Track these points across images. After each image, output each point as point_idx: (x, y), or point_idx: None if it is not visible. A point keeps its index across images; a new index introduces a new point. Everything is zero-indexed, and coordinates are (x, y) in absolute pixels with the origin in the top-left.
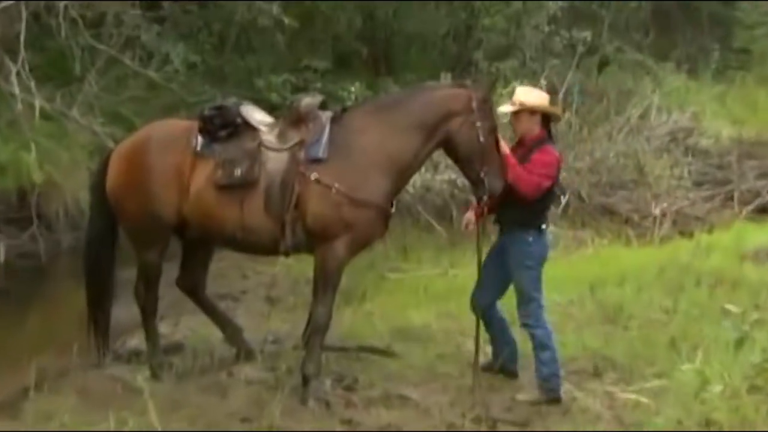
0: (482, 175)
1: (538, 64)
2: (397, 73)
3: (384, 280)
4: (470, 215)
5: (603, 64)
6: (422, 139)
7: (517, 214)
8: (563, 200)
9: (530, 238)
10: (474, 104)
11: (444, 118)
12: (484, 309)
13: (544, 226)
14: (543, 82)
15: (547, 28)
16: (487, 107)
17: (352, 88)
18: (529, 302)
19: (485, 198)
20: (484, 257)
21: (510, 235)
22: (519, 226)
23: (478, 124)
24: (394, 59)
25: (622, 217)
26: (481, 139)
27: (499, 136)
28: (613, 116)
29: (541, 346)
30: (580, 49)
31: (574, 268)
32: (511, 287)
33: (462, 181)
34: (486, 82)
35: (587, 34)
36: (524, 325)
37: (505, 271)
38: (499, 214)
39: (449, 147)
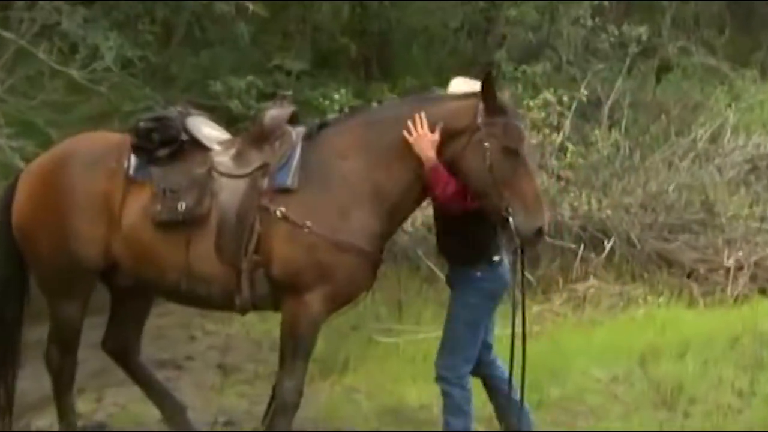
0: (504, 213)
1: (578, 69)
2: (394, 78)
3: (372, 344)
4: None
5: (663, 70)
6: (419, 168)
7: (458, 242)
8: (607, 245)
9: (478, 274)
10: (480, 118)
11: (444, 140)
12: (479, 371)
13: (497, 258)
14: (583, 91)
15: (590, 22)
16: (503, 120)
17: (336, 96)
18: (454, 351)
19: (517, 244)
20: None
21: (454, 272)
22: (463, 259)
23: (486, 144)
24: (391, 59)
25: (684, 268)
26: (488, 162)
27: (528, 158)
28: (674, 138)
29: (454, 410)
30: (633, 49)
31: (621, 334)
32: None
33: None
34: (492, 83)
35: (642, 31)
36: (440, 379)
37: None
38: (439, 245)
39: (457, 177)
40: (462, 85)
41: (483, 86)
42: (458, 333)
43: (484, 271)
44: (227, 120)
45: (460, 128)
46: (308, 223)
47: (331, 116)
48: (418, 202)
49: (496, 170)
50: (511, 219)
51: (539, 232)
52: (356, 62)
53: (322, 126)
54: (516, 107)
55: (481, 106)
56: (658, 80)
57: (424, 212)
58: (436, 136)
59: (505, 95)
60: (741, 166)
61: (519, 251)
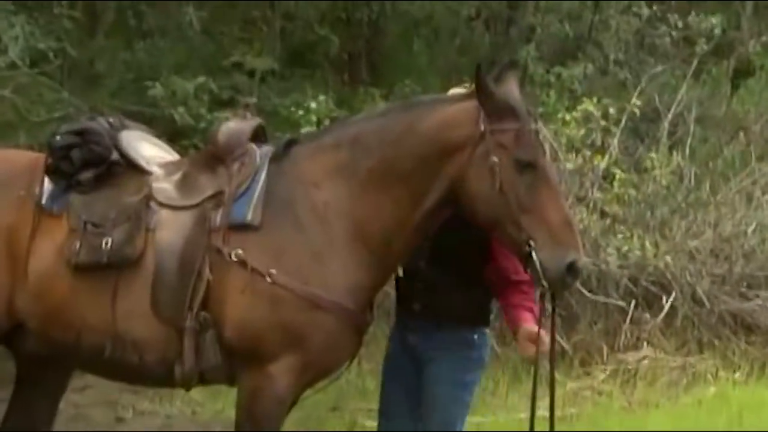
0: (525, 247)
1: (630, 72)
2: (388, 82)
3: (357, 431)
4: (533, 329)
5: (741, 74)
6: (412, 198)
7: (456, 299)
8: (666, 304)
9: (475, 336)
10: (483, 124)
11: (440, 158)
12: None
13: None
14: (636, 101)
15: (646, 11)
16: (514, 125)
17: (313, 105)
18: None
19: (543, 287)
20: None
21: (431, 337)
22: (458, 319)
23: (494, 157)
24: (385, 58)
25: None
26: (498, 181)
27: (550, 172)
28: (755, 163)
29: None
30: (702, 47)
31: (684, 420)
32: None
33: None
34: (484, 76)
35: (715, 23)
36: None
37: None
38: (418, 296)
39: (462, 207)
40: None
41: (475, 82)
42: (451, 418)
43: (480, 334)
44: (170, 134)
45: (459, 140)
46: (273, 271)
47: (306, 131)
48: (412, 243)
49: (509, 191)
50: (534, 254)
51: (572, 269)
52: (339, 61)
53: (292, 144)
54: (528, 106)
55: (486, 107)
56: (735, 87)
57: None
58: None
59: (512, 91)
60: None
61: (549, 301)
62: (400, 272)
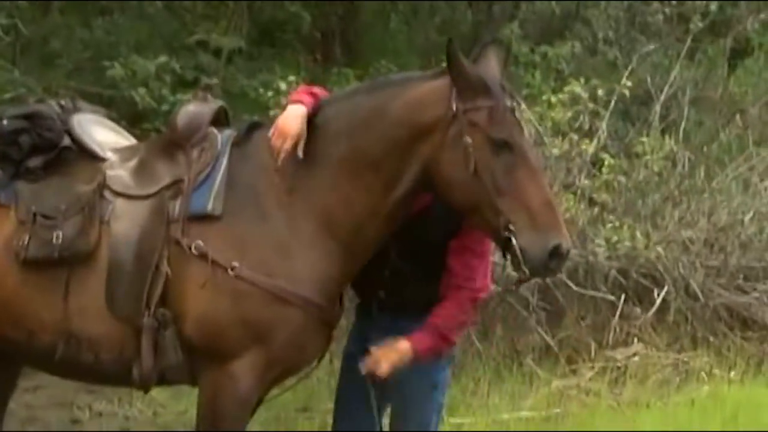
0: (504, 232)
1: (620, 50)
2: (364, 61)
3: None
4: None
5: (738, 54)
6: (384, 184)
7: (423, 289)
8: (657, 298)
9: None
10: (456, 103)
11: (412, 141)
12: None
13: None
14: (626, 82)
15: None
16: (488, 102)
17: (283, 86)
18: None
19: (524, 274)
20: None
21: (404, 327)
22: (424, 310)
23: (467, 138)
24: (360, 36)
25: (765, 330)
26: (472, 163)
27: (529, 151)
28: (752, 148)
29: None
30: (697, 24)
31: (677, 420)
32: None
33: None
34: (456, 50)
35: None
36: None
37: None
38: (382, 287)
39: (437, 192)
40: None
41: (447, 58)
42: (425, 422)
43: None
44: (131, 117)
45: (431, 121)
46: (235, 264)
47: (275, 114)
48: (384, 232)
49: (484, 172)
50: (514, 239)
51: (556, 254)
52: (311, 39)
53: (253, 127)
54: (506, 82)
55: (458, 83)
56: (732, 68)
57: None
58: None
59: (488, 68)
60: None
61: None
62: None
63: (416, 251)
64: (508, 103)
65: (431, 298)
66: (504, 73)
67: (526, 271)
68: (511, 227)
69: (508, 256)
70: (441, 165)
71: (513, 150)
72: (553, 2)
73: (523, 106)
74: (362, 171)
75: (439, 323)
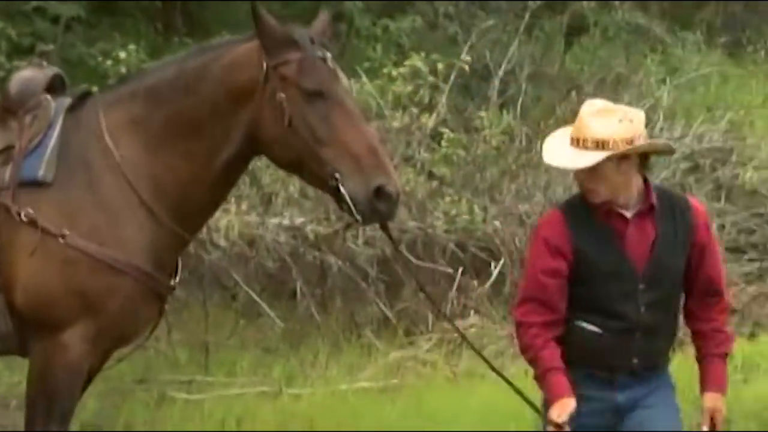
0: (332, 181)
1: (460, 25)
2: (205, 31)
3: (167, 403)
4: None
5: (575, 31)
6: (208, 149)
7: (669, 338)
8: (494, 270)
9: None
10: (266, 60)
11: (232, 104)
12: None
13: None
14: (466, 57)
15: None
16: (297, 55)
17: (123, 55)
18: None
19: (357, 221)
20: None
21: (652, 383)
22: (667, 359)
23: (281, 94)
24: (201, 7)
25: None
26: (287, 119)
27: (346, 99)
28: None
29: None
30: (535, 1)
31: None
32: None
33: (317, 227)
34: (259, 9)
35: None
36: None
37: None
38: (635, 353)
39: (264, 154)
40: (609, 115)
41: (252, 18)
42: None
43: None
44: None
45: (247, 82)
46: (66, 232)
47: (111, 83)
48: (214, 199)
49: (300, 124)
50: (342, 188)
51: (381, 194)
52: (152, 9)
53: (86, 95)
54: (319, 34)
55: (268, 42)
56: (569, 45)
57: (243, 219)
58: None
59: (296, 26)
60: (677, 163)
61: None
62: (596, 329)
63: (660, 300)
64: (319, 54)
65: (671, 343)
66: (328, 35)
67: (358, 217)
68: (337, 176)
69: (343, 206)
70: (263, 125)
71: (327, 98)
72: None
73: (364, 78)
74: (187, 136)
75: (727, 349)
